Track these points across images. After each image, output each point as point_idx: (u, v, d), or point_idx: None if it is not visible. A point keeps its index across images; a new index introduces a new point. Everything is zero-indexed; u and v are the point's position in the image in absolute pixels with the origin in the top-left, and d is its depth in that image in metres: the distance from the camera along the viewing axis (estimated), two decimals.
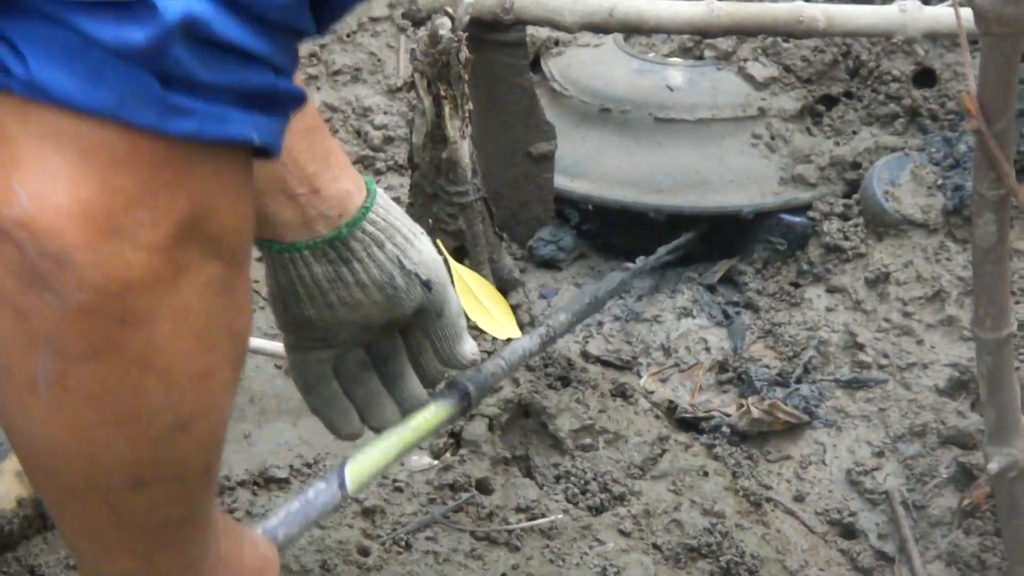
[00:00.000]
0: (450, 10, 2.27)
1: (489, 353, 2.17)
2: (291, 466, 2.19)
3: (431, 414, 1.61)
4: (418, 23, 2.45)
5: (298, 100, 0.99)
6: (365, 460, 1.57)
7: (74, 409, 0.97)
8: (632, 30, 2.59)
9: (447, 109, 2.28)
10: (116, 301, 0.92)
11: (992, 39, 1.12)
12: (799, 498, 2.26)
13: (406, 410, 1.66)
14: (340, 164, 1.47)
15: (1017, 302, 2.32)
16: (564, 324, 1.81)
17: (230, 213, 0.97)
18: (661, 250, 2.57)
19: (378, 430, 1.66)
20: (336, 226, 1.45)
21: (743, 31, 2.53)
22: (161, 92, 0.89)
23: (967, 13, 1.24)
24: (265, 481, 2.16)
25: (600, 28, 2.54)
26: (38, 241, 0.90)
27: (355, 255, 1.47)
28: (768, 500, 2.23)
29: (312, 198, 1.44)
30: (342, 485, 1.54)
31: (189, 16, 0.88)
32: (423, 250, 1.52)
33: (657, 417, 2.32)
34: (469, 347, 1.60)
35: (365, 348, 1.63)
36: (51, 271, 0.90)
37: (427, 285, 1.51)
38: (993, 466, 1.38)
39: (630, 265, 2.40)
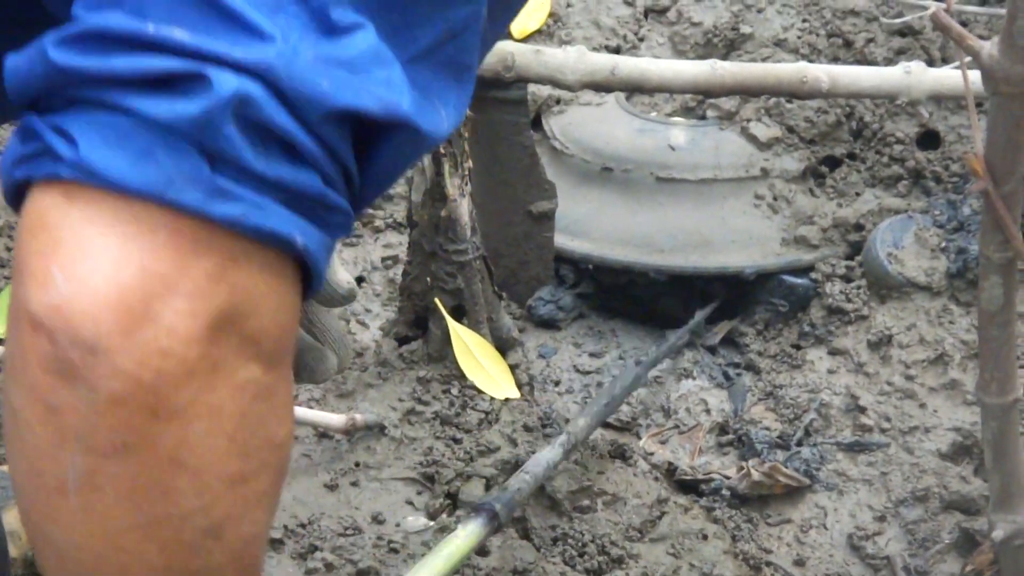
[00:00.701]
0: None
1: (514, 465, 2.16)
2: (285, 527, 2.17)
3: (462, 540, 1.55)
4: None
5: (347, 219, 0.97)
6: None
7: (105, 511, 0.93)
8: (634, 89, 2.58)
9: (446, 167, 2.27)
10: (149, 392, 0.89)
11: (1000, 99, 1.10)
12: (800, 562, 2.24)
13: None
14: None
15: (1023, 366, 2.31)
16: (585, 428, 1.76)
17: (271, 316, 0.94)
18: (673, 337, 2.55)
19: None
20: None
21: (746, 91, 2.52)
22: (210, 174, 0.88)
23: (974, 75, 1.22)
24: None
25: (602, 87, 2.53)
26: (72, 328, 0.87)
27: None
28: (768, 564, 2.21)
29: None
30: None
31: (243, 92, 0.87)
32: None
33: (656, 479, 2.30)
34: (342, 275, 1.41)
35: None
36: (83, 360, 0.88)
37: None
38: (998, 534, 1.35)
39: (643, 359, 2.37)
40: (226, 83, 0.87)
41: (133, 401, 0.89)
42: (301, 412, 2.29)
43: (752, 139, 2.74)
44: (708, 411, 2.50)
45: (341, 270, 1.43)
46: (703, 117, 2.85)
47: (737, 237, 2.66)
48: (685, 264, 2.64)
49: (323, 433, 2.30)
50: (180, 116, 0.87)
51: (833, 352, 2.52)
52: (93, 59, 0.87)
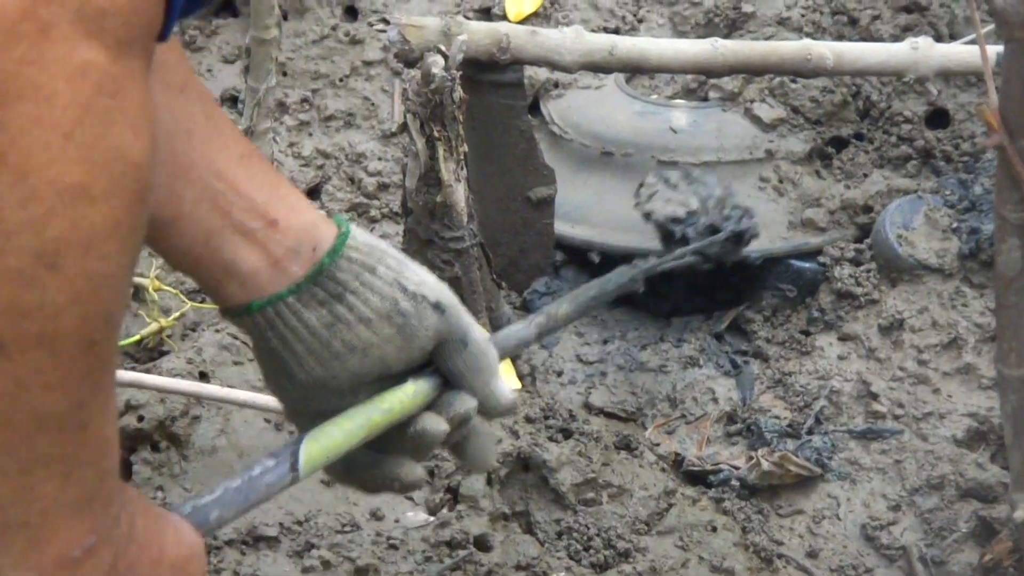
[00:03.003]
0: (443, 48, 2.21)
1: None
2: (281, 524, 2.13)
3: (407, 395, 1.40)
4: (411, 63, 2.40)
5: None
6: (325, 440, 1.33)
7: None
8: (633, 69, 2.53)
9: (441, 151, 2.22)
10: None
11: (1015, 46, 1.03)
12: (812, 554, 2.20)
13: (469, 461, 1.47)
14: (295, 195, 1.32)
15: None
16: (565, 315, 1.57)
17: None
18: (680, 252, 2.40)
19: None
20: (314, 261, 1.29)
21: (749, 70, 2.46)
22: None
23: (986, 28, 1.16)
24: (254, 540, 2.10)
25: (600, 68, 2.48)
26: None
27: (347, 287, 1.30)
28: (780, 556, 2.17)
29: (271, 233, 1.28)
30: (295, 466, 1.31)
31: None
32: (420, 272, 1.34)
33: (663, 470, 2.27)
34: (505, 386, 1.39)
35: None
36: None
37: (438, 307, 1.32)
38: (1019, 514, 1.29)
39: (640, 263, 2.23)
40: None
41: None
42: None
43: (756, 120, 2.69)
44: (715, 400, 2.45)
45: (504, 380, 1.39)
46: (705, 99, 2.80)
47: None
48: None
49: None
50: None
51: (843, 338, 2.48)
52: None
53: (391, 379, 1.34)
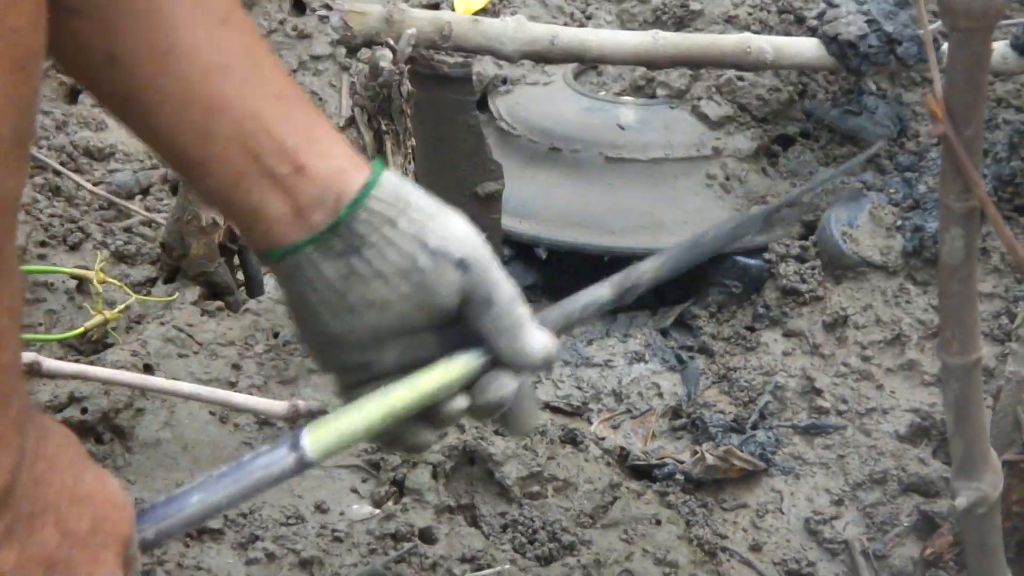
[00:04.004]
0: (391, 41, 2.20)
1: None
2: (225, 516, 2.10)
3: (447, 369, 1.27)
4: (353, 49, 2.38)
5: None
6: (336, 423, 1.25)
7: None
8: (575, 59, 2.53)
9: (389, 145, 2.21)
10: None
11: (959, 35, 1.04)
12: (756, 547, 2.20)
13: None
14: (329, 139, 1.26)
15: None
16: (652, 273, 1.34)
17: None
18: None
19: None
20: (336, 211, 1.24)
21: (689, 62, 2.47)
22: None
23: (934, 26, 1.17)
24: (198, 532, 2.08)
25: (542, 57, 2.47)
26: None
27: (365, 240, 1.24)
28: (724, 550, 2.17)
29: (298, 179, 1.24)
30: (295, 446, 1.22)
31: None
32: (450, 225, 1.26)
33: (608, 464, 2.26)
34: (538, 340, 1.30)
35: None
36: None
37: (461, 264, 1.25)
38: (961, 501, 1.30)
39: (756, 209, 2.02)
40: None
41: None
42: (242, 399, 2.22)
43: (703, 118, 2.70)
44: (661, 395, 2.45)
45: (537, 334, 1.30)
46: (653, 96, 2.80)
47: (689, 217, 2.61)
48: (636, 245, 2.58)
49: (264, 420, 2.24)
50: None
51: (788, 334, 2.49)
52: None
53: (418, 334, 1.29)
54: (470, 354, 1.28)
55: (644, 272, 1.36)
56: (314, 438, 1.23)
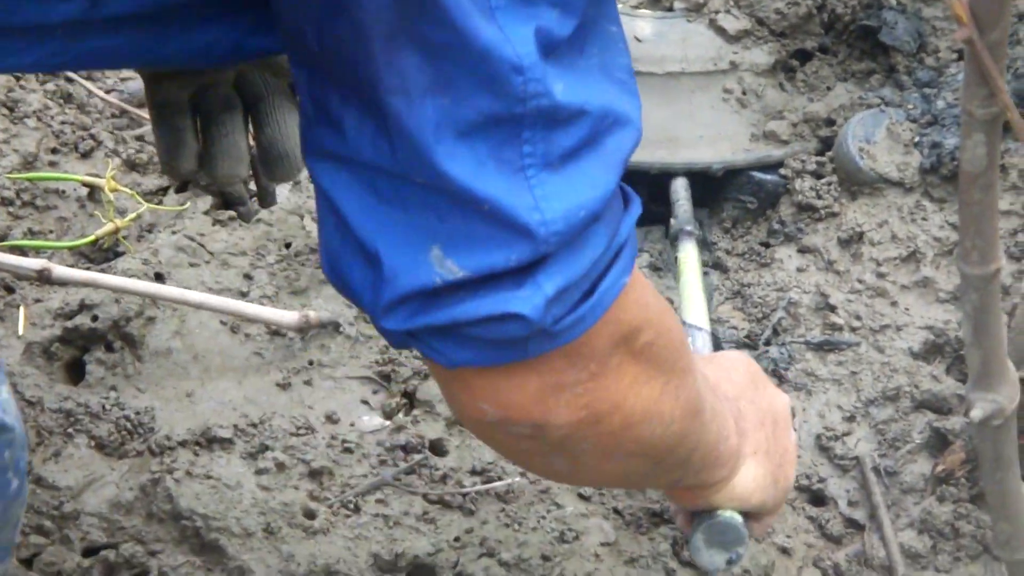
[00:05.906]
0: None
1: None
2: (235, 426, 2.10)
3: (688, 255, 2.11)
4: None
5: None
6: None
7: (600, 461, 1.37)
8: None
9: None
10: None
11: None
12: None
13: (265, 160, 1.54)
14: None
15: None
16: None
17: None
18: None
19: (218, 178, 1.52)
20: None
21: None
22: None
23: None
24: (208, 441, 2.08)
25: None
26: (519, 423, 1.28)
27: None
28: None
29: None
30: None
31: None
32: None
33: None
34: None
35: (236, 89, 1.50)
36: (534, 431, 1.28)
37: None
38: (976, 412, 1.28)
39: None
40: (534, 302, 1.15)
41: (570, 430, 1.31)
42: (253, 309, 2.22)
43: (720, 31, 2.66)
44: (674, 309, 2.43)
45: None
46: (670, 9, 2.77)
47: (705, 132, 2.58)
48: (652, 160, 2.55)
49: (275, 331, 2.23)
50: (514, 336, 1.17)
51: (803, 250, 2.47)
52: (432, 316, 1.15)
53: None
54: None
55: None
56: None
